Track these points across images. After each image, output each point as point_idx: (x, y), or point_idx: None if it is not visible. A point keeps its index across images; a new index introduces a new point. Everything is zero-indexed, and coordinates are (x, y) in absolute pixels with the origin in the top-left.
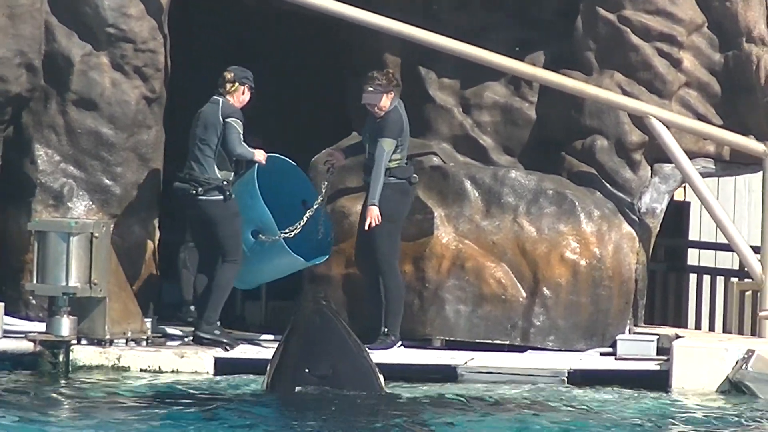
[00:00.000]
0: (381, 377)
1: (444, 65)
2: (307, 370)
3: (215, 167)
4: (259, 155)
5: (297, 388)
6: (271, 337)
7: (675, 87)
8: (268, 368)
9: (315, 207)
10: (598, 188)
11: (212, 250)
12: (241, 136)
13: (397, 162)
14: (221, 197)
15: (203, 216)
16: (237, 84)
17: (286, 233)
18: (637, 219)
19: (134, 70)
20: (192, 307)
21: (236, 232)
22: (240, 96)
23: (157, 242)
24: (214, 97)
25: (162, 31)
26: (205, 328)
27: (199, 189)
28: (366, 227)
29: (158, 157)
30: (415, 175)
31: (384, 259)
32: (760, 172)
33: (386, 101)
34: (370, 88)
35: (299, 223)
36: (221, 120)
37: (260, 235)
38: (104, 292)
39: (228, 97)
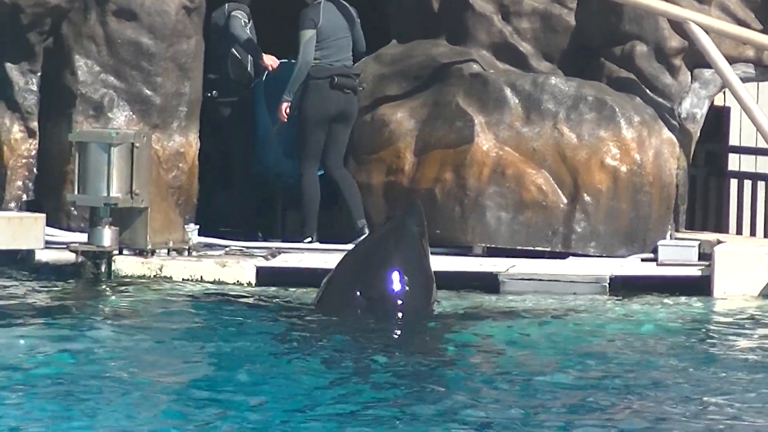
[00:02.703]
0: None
1: None
2: (358, 292)
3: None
4: (268, 59)
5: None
6: (312, 245)
7: None
8: (324, 280)
9: None
10: (638, 94)
11: None
12: (246, 28)
13: (317, 60)
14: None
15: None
16: None
17: None
18: (677, 125)
19: None
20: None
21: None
22: None
23: (197, 152)
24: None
25: None
26: None
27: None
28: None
29: (198, 66)
30: (356, 81)
31: (301, 158)
32: None
33: None
34: None
35: None
36: (226, 16)
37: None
38: (145, 202)
39: None
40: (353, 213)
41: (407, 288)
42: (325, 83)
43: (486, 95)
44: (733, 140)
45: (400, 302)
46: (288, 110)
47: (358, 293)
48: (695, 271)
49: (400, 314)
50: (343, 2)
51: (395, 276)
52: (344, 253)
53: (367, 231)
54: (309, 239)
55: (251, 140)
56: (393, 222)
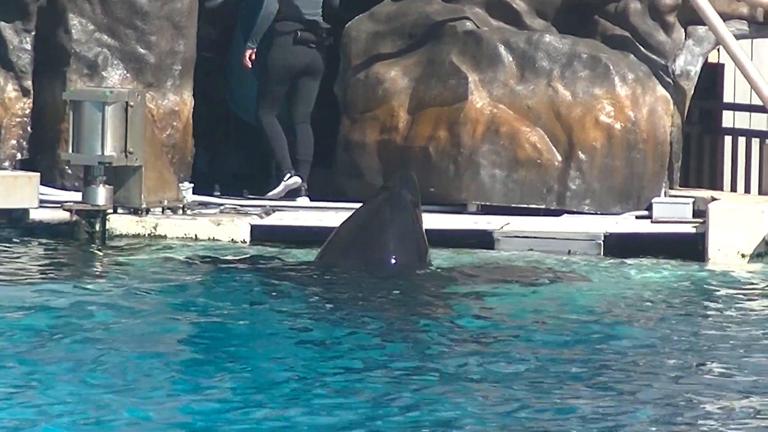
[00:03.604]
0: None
1: None
2: (356, 258)
3: None
4: None
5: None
6: (306, 203)
7: None
8: (324, 244)
9: None
10: (632, 51)
11: None
12: None
13: (283, 14)
14: None
15: None
16: None
17: None
18: (671, 82)
19: None
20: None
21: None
22: None
23: (191, 111)
24: None
25: None
26: None
27: None
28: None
29: (192, 24)
30: (323, 35)
31: (258, 104)
32: None
33: None
34: None
35: None
36: None
37: None
38: (140, 160)
39: None
40: (299, 167)
41: (402, 255)
42: (289, 37)
43: (480, 53)
44: (728, 97)
45: (395, 268)
46: (253, 57)
47: (355, 257)
48: (689, 229)
49: (395, 278)
50: None
51: (390, 243)
52: (342, 219)
53: (304, 194)
54: (288, 175)
55: (227, 90)
56: (389, 191)
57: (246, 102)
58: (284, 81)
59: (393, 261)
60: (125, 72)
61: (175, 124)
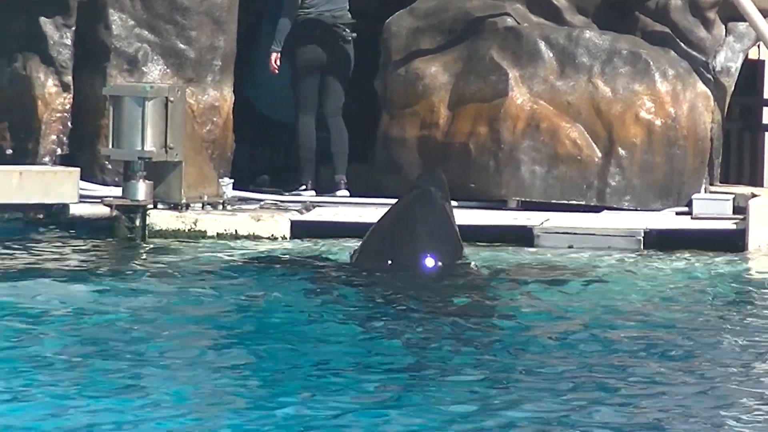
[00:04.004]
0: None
1: None
2: (389, 256)
3: None
4: None
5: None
6: (346, 198)
7: None
8: (361, 242)
9: None
10: (672, 48)
11: None
12: None
13: (305, 10)
14: None
15: None
16: None
17: None
18: (711, 78)
19: None
20: None
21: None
22: None
23: (231, 106)
24: None
25: None
26: None
27: None
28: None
29: (232, 19)
30: (344, 31)
31: (295, 107)
32: None
33: None
34: None
35: None
36: None
37: None
38: (180, 156)
39: None
40: (335, 165)
41: (434, 251)
42: (312, 34)
43: (520, 49)
44: None
45: (428, 264)
46: (278, 61)
47: (389, 257)
48: (730, 225)
49: (430, 275)
50: None
51: (423, 241)
52: (377, 218)
53: (344, 187)
54: (304, 187)
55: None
56: (418, 190)
57: (267, 97)
58: (309, 78)
59: (427, 258)
60: (165, 67)
61: (215, 119)
